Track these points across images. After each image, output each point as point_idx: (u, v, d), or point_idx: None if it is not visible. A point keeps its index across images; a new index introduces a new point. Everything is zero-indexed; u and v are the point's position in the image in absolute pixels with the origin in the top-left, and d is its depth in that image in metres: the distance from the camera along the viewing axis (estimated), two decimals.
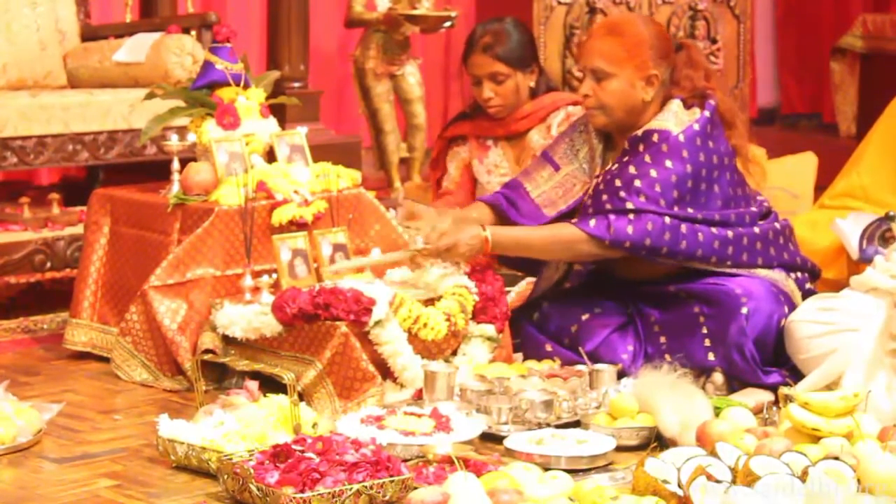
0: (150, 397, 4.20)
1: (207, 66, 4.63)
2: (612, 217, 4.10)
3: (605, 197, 4.15)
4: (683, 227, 4.12)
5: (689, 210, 4.14)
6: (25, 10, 5.82)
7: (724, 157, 4.21)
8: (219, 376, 4.24)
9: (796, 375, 4.01)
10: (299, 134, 4.64)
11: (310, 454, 3.25)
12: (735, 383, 4.08)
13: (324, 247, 4.32)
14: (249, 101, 4.59)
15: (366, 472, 3.22)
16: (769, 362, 4.08)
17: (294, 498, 3.13)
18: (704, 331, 4.11)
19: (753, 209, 4.29)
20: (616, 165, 4.20)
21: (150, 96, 4.72)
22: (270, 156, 4.60)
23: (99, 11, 6.64)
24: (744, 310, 4.05)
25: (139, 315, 4.31)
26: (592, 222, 4.11)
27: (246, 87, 4.62)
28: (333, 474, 3.19)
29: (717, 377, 4.08)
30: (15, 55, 5.75)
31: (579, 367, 4.09)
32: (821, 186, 5.19)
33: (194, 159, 4.60)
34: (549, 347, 4.28)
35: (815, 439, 3.42)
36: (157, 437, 3.56)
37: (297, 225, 4.36)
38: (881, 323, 3.87)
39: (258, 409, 3.63)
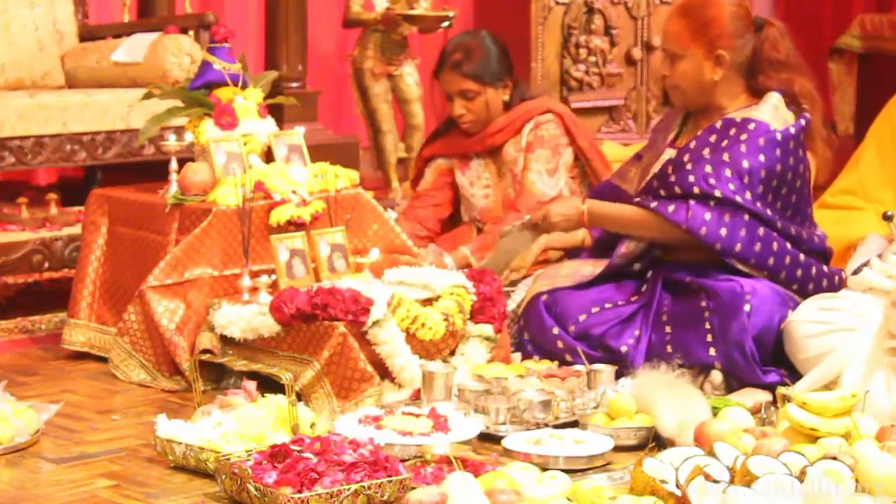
0: (148, 397, 4.19)
1: (205, 66, 4.63)
2: (691, 202, 4.15)
3: (691, 178, 4.18)
4: (761, 230, 4.14)
5: (768, 211, 4.16)
6: (23, 10, 5.82)
7: (807, 169, 4.27)
8: (217, 376, 4.24)
9: (794, 377, 4.01)
10: (297, 134, 4.64)
11: (308, 454, 3.25)
12: (733, 383, 4.08)
13: (322, 247, 4.32)
14: (247, 101, 4.59)
15: (364, 473, 3.22)
16: (768, 363, 4.08)
17: (292, 498, 3.13)
18: (707, 325, 4.10)
19: (818, 233, 4.33)
20: (707, 148, 4.23)
21: (147, 96, 4.72)
22: (268, 156, 4.60)
23: (97, 11, 6.64)
24: (746, 307, 4.06)
25: (137, 315, 4.31)
26: (671, 207, 4.18)
27: (244, 87, 4.62)
28: (331, 474, 3.19)
29: (716, 376, 4.08)
30: (13, 55, 5.75)
31: (577, 367, 4.09)
32: (819, 186, 5.18)
33: (192, 159, 4.60)
34: (555, 331, 4.26)
35: (813, 439, 3.42)
36: (155, 437, 3.56)
37: (295, 225, 4.36)
38: (879, 322, 3.87)
39: (256, 409, 3.62)
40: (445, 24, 7.08)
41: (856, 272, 4.19)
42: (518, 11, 7.21)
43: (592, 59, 7.36)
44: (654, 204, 4.23)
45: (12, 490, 3.40)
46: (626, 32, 7.45)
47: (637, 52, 7.45)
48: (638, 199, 4.30)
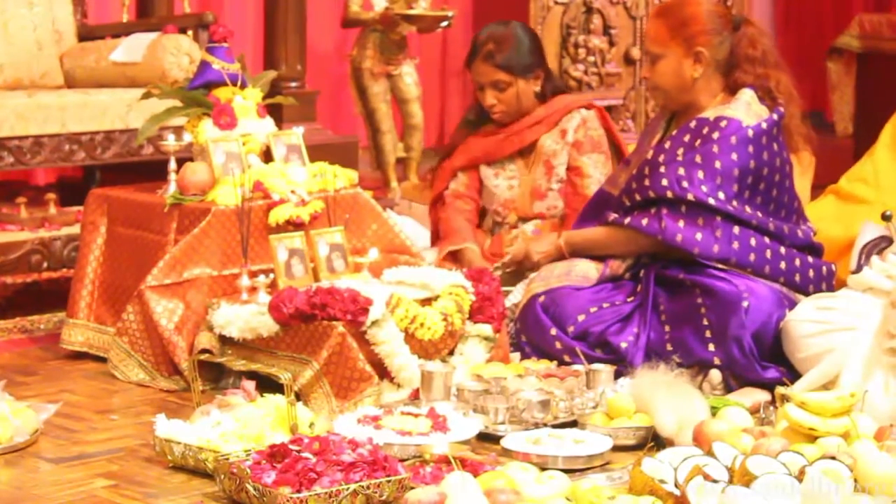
0: (147, 397, 4.19)
1: (204, 65, 4.63)
2: (663, 211, 4.17)
3: (664, 181, 4.20)
4: (736, 229, 4.15)
5: (747, 208, 4.17)
6: (22, 10, 5.82)
7: (786, 163, 4.26)
8: (216, 376, 4.24)
9: (793, 375, 4.01)
10: (296, 134, 4.64)
11: (307, 454, 3.25)
12: (732, 382, 4.08)
13: (321, 247, 4.32)
14: (246, 101, 4.59)
15: (363, 472, 3.22)
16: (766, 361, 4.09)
17: (291, 498, 3.13)
18: (705, 322, 4.11)
19: (804, 227, 4.33)
20: (681, 148, 4.24)
21: (146, 96, 4.72)
22: (267, 156, 4.60)
23: (96, 11, 6.64)
24: (744, 303, 4.06)
25: (136, 315, 4.31)
26: (645, 221, 4.22)
27: (243, 86, 4.62)
28: (330, 474, 3.19)
29: (714, 376, 4.08)
30: (12, 55, 5.75)
31: (576, 366, 4.09)
32: (818, 185, 5.19)
33: (191, 159, 4.60)
34: (553, 332, 4.26)
35: (812, 439, 3.42)
36: (154, 436, 3.56)
37: (293, 225, 4.36)
38: (878, 322, 3.87)
39: (255, 408, 3.62)
40: (444, 23, 7.08)
41: (861, 252, 4.20)
42: (517, 11, 7.21)
43: (591, 58, 7.37)
44: (627, 220, 4.28)
45: (11, 490, 3.40)
46: (625, 32, 7.45)
47: (636, 52, 7.45)
48: (614, 217, 4.34)
